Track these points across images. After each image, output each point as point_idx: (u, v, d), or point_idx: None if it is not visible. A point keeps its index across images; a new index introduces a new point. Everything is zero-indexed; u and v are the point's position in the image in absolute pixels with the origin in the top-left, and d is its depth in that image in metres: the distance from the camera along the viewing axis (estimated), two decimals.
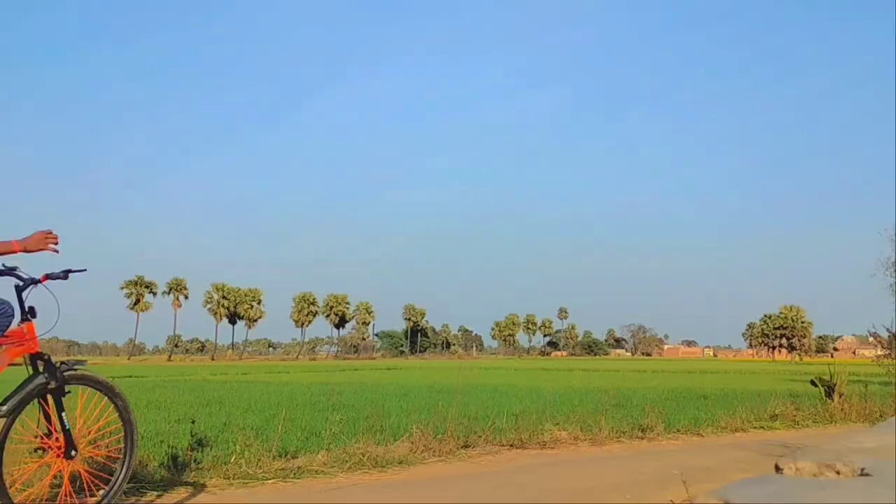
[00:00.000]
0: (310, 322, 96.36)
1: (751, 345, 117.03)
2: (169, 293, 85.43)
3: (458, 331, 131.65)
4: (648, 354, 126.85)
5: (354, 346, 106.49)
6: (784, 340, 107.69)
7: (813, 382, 10.64)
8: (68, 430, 3.52)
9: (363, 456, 5.19)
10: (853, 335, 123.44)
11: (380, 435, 6.07)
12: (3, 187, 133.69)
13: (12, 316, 3.45)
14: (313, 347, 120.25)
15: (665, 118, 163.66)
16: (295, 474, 4.76)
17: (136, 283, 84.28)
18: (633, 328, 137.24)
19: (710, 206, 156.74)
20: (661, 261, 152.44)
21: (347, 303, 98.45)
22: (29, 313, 3.56)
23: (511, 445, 6.18)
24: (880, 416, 8.63)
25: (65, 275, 3.66)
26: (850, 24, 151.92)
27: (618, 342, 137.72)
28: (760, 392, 12.83)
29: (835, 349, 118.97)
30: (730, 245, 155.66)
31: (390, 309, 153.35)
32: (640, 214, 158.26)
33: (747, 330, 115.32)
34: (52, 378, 3.49)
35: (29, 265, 3.60)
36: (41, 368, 3.50)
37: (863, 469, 1.50)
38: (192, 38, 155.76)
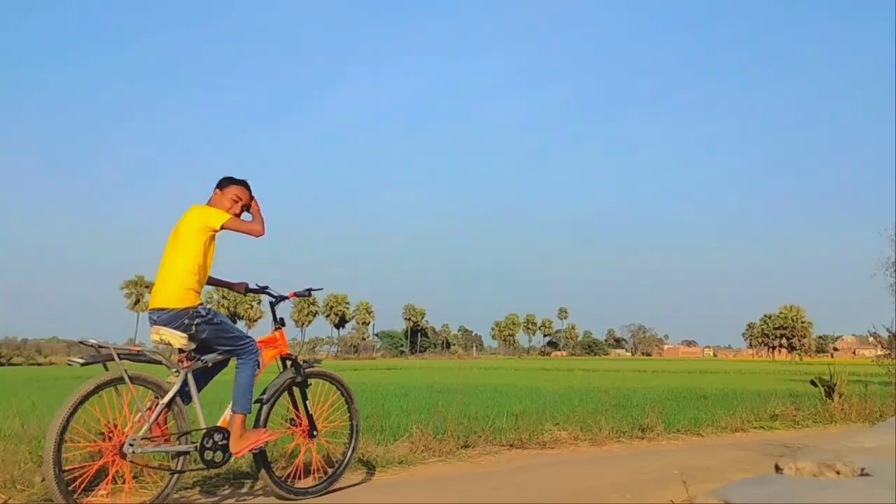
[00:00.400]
0: (310, 322, 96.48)
1: (751, 345, 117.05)
2: None
3: (458, 331, 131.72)
4: (648, 354, 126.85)
5: (354, 346, 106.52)
6: (784, 340, 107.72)
7: (813, 382, 10.64)
8: (311, 414, 4.31)
9: (363, 456, 5.20)
10: (853, 335, 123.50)
11: (380, 435, 6.08)
12: (3, 187, 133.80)
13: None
14: (313, 347, 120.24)
15: (665, 118, 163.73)
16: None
17: (136, 283, 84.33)
18: (633, 328, 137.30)
19: (709, 206, 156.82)
20: (661, 261, 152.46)
21: (347, 303, 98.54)
22: (279, 323, 4.36)
23: (511, 445, 6.18)
24: (880, 416, 8.63)
25: (308, 293, 4.50)
26: (849, 25, 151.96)
27: (618, 342, 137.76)
28: (760, 392, 12.83)
29: (835, 349, 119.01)
30: (730, 245, 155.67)
31: (390, 309, 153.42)
32: (640, 214, 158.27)
33: (747, 330, 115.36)
34: (297, 374, 4.28)
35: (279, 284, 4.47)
36: (289, 366, 4.29)
37: (863, 469, 1.50)
38: (191, 39, 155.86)
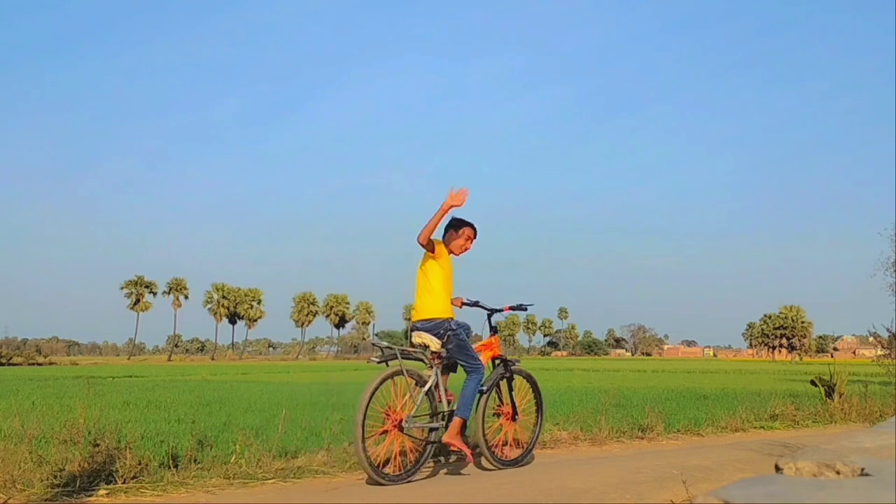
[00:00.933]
0: (310, 322, 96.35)
1: (751, 345, 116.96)
2: (169, 293, 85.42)
3: None
4: (648, 354, 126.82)
5: (354, 346, 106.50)
6: (784, 340, 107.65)
7: (813, 382, 10.64)
8: (514, 402, 5.43)
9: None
10: (853, 335, 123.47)
11: (380, 435, 6.06)
12: (4, 186, 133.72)
13: (471, 333, 5.20)
14: (313, 347, 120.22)
15: (665, 119, 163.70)
16: (295, 474, 4.76)
17: (136, 283, 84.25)
18: (633, 328, 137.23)
19: (709, 206, 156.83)
20: (661, 261, 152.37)
21: (347, 303, 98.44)
22: (494, 330, 5.45)
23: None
24: (880, 416, 8.63)
25: (521, 308, 5.51)
26: (849, 25, 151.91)
27: (618, 342, 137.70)
28: (760, 392, 12.83)
29: (835, 349, 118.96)
30: (730, 245, 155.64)
31: (390, 309, 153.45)
32: (640, 214, 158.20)
33: (747, 330, 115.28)
34: (506, 371, 5.39)
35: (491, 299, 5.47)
36: (499, 365, 5.38)
37: (863, 469, 1.50)
38: (192, 40, 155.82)
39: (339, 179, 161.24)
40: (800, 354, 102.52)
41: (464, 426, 4.89)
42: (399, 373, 4.74)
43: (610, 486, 4.33)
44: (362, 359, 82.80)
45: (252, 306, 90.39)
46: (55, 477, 4.24)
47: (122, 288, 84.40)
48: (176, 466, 4.63)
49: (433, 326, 4.92)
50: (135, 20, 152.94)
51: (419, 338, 4.95)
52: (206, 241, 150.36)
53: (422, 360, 4.97)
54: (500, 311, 5.48)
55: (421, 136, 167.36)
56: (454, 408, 4.93)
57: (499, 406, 5.37)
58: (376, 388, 4.63)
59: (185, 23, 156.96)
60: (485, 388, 5.11)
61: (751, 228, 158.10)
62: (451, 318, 4.99)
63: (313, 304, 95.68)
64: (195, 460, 4.79)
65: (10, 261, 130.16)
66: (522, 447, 5.45)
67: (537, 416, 5.60)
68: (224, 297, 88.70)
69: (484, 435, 5.09)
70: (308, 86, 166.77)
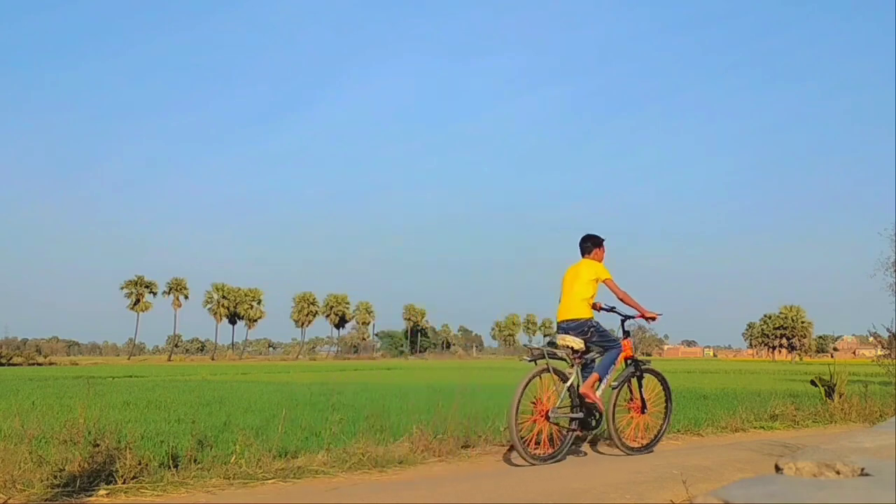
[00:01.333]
0: (310, 322, 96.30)
1: (751, 345, 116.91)
2: (169, 293, 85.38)
3: (458, 331, 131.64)
4: (648, 354, 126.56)
5: (354, 346, 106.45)
6: (784, 340, 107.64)
7: (813, 382, 10.63)
8: (643, 398, 6.15)
9: (363, 456, 5.19)
10: (853, 335, 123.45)
11: (380, 435, 6.07)
12: (4, 186, 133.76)
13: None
14: (313, 347, 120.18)
15: (665, 119, 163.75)
16: (295, 474, 4.76)
17: (136, 283, 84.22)
18: (633, 328, 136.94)
19: (709, 206, 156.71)
20: (661, 261, 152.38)
21: (347, 303, 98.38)
22: (626, 334, 6.22)
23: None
24: (880, 416, 8.63)
25: (646, 319, 6.26)
26: (849, 25, 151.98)
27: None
28: (760, 392, 12.83)
29: (835, 349, 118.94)
30: (729, 245, 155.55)
31: (390, 309, 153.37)
32: (640, 214, 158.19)
33: (747, 330, 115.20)
34: (636, 369, 6.16)
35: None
36: (631, 364, 6.15)
37: (863, 469, 1.50)
38: (192, 40, 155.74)
39: (339, 179, 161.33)
40: (800, 354, 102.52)
41: (596, 381, 5.76)
42: (546, 370, 5.59)
43: (610, 487, 4.33)
44: (362, 359, 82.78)
45: (252, 306, 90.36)
46: (55, 477, 4.24)
47: (122, 288, 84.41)
48: (176, 466, 4.63)
49: (577, 326, 5.85)
50: (135, 20, 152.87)
51: (563, 340, 5.79)
52: (206, 241, 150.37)
53: (565, 360, 5.78)
54: (633, 317, 6.24)
55: (420, 136, 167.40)
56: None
57: (629, 401, 6.16)
58: (528, 383, 5.46)
59: (185, 23, 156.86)
60: (616, 383, 5.96)
61: (751, 228, 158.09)
62: (592, 318, 5.92)
63: (313, 304, 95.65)
64: (195, 460, 4.79)
65: (10, 261, 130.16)
66: (650, 438, 6.18)
67: (666, 411, 6.32)
68: (224, 297, 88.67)
69: (615, 424, 5.87)
70: (308, 86, 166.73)
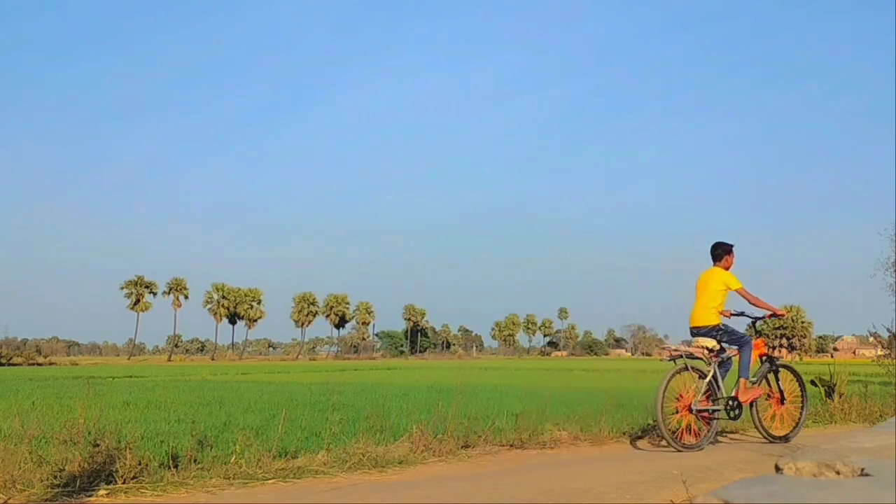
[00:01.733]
0: (310, 322, 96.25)
1: None
2: (169, 293, 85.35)
3: (458, 331, 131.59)
4: (648, 354, 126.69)
5: (354, 347, 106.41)
6: (784, 340, 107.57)
7: (813, 382, 10.61)
8: (781, 390, 6.87)
9: (363, 456, 5.19)
10: (853, 335, 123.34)
11: (380, 435, 6.07)
12: (4, 187, 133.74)
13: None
14: (313, 347, 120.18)
15: (665, 119, 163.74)
16: (295, 474, 4.75)
17: (136, 283, 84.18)
18: (633, 328, 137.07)
19: (709, 206, 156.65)
20: (661, 261, 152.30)
21: (347, 303, 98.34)
22: (759, 334, 6.98)
23: (511, 445, 6.18)
24: (880, 416, 8.63)
25: (779, 315, 6.96)
26: (848, 25, 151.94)
27: (618, 342, 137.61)
28: None
29: (835, 349, 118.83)
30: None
31: (390, 309, 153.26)
32: (640, 214, 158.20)
33: (747, 330, 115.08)
34: (772, 365, 6.89)
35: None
36: (766, 361, 6.86)
37: (863, 469, 1.50)
38: (192, 40, 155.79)
39: (339, 180, 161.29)
40: (800, 354, 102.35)
41: (747, 383, 6.43)
42: (685, 368, 6.29)
43: (610, 486, 4.33)
44: (362, 359, 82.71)
45: (252, 306, 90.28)
46: (55, 477, 4.24)
47: (122, 288, 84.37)
48: (176, 466, 4.63)
49: (707, 331, 6.52)
50: (135, 20, 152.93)
51: (698, 342, 6.49)
52: (206, 241, 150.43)
53: (702, 360, 6.44)
54: (763, 318, 6.94)
55: (421, 136, 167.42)
56: (731, 394, 6.46)
57: (768, 396, 6.85)
58: (670, 380, 6.14)
59: (185, 23, 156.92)
60: (755, 379, 6.65)
61: (750, 228, 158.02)
62: (719, 324, 6.56)
63: (313, 304, 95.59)
64: (195, 460, 4.79)
65: (10, 261, 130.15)
66: (790, 427, 6.74)
67: (802, 401, 6.92)
68: (224, 297, 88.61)
69: (759, 415, 6.64)
70: (308, 86, 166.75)
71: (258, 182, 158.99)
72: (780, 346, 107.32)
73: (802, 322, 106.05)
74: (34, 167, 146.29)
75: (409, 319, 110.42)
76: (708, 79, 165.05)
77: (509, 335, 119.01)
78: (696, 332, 6.55)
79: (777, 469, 1.60)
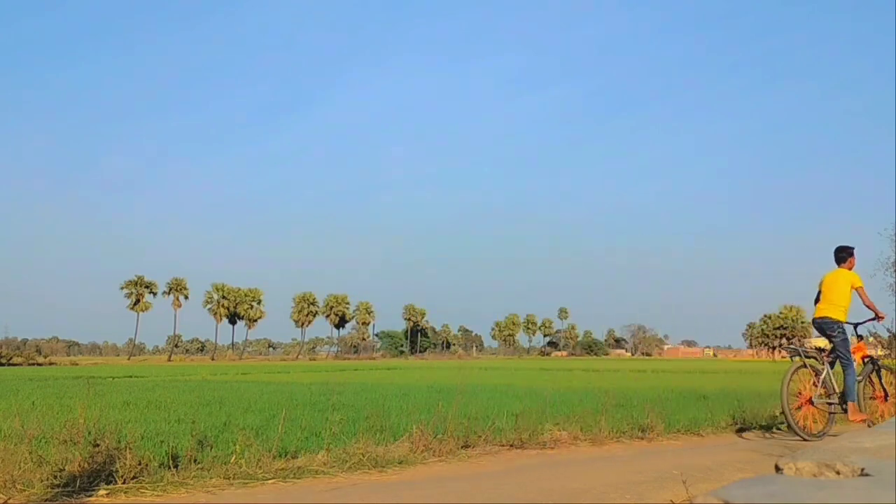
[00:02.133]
0: (310, 322, 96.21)
1: (751, 345, 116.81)
2: (169, 293, 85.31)
3: (458, 331, 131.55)
4: (648, 354, 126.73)
5: (354, 347, 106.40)
6: (784, 340, 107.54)
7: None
8: (884, 388, 7.50)
9: (363, 456, 5.19)
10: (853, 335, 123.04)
11: (380, 435, 6.07)
12: (4, 187, 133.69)
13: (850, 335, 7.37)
14: (313, 347, 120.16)
15: (665, 119, 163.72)
16: (295, 474, 4.75)
17: (136, 283, 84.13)
18: (633, 328, 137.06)
19: (709, 205, 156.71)
20: (661, 261, 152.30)
21: (347, 303, 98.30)
22: (860, 338, 7.52)
23: (511, 445, 6.18)
24: (880, 416, 8.62)
25: (877, 318, 7.39)
26: (849, 26, 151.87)
27: (618, 342, 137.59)
28: (760, 392, 12.81)
29: None
30: (729, 245, 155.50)
31: (390, 309, 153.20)
32: (640, 214, 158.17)
33: (747, 330, 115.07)
34: (874, 366, 7.49)
35: None
36: (868, 362, 7.48)
37: (863, 469, 1.50)
38: (192, 40, 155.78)
39: (339, 180, 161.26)
40: None
41: (855, 405, 7.00)
42: (803, 366, 7.12)
43: (610, 486, 4.33)
44: (362, 359, 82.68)
45: (252, 306, 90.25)
46: (55, 477, 4.24)
47: (122, 288, 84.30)
48: (176, 466, 4.62)
49: (829, 324, 7.21)
50: (135, 20, 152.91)
51: (812, 342, 7.21)
52: (206, 241, 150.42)
53: (815, 358, 7.22)
54: (864, 322, 7.52)
55: (421, 136, 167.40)
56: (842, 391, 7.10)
57: (873, 393, 7.48)
58: (790, 377, 6.96)
59: (185, 23, 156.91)
60: (860, 377, 7.26)
61: (751, 228, 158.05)
62: (844, 321, 7.23)
63: (313, 304, 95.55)
64: (195, 460, 4.79)
65: (10, 261, 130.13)
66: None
67: None
68: (224, 297, 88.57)
69: (862, 412, 7.10)
70: (308, 86, 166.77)
71: (258, 182, 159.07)
72: (780, 346, 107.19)
73: (802, 322, 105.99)
74: (34, 167, 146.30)
75: (409, 319, 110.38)
76: (708, 79, 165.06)
77: (509, 335, 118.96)
78: (821, 321, 7.26)
79: (777, 469, 1.60)
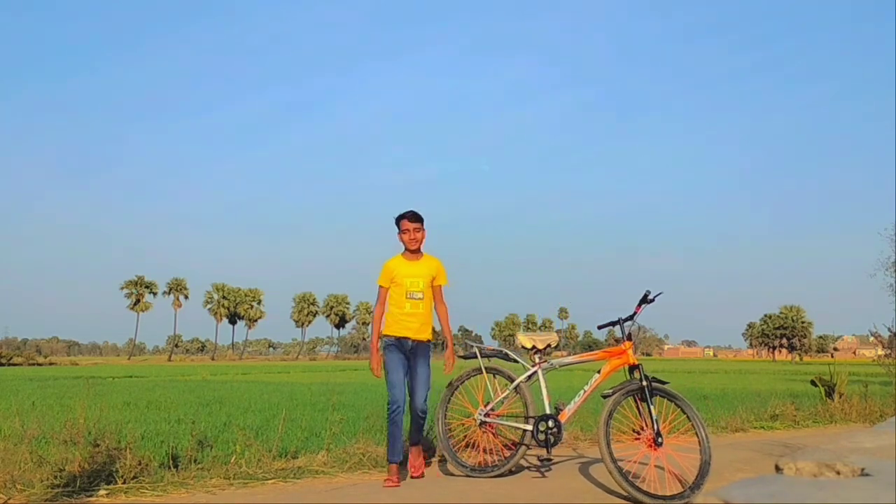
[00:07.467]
0: (310, 322, 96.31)
1: (751, 345, 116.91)
2: (169, 293, 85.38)
3: (458, 331, 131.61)
4: (648, 354, 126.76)
5: (354, 346, 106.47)
6: (784, 340, 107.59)
7: (813, 382, 10.62)
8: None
9: (363, 456, 5.19)
10: (853, 335, 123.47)
11: (380, 435, 6.07)
12: (6, 188, 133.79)
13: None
14: (313, 347, 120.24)
15: (664, 121, 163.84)
16: (295, 474, 4.76)
17: (136, 283, 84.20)
18: (634, 328, 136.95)
19: (710, 206, 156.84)
20: (662, 261, 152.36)
21: (347, 303, 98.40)
22: (627, 337, 5.02)
23: (511, 444, 6.16)
24: (880, 416, 8.63)
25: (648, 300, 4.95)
26: (850, 27, 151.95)
27: (618, 342, 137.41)
28: (760, 392, 12.82)
29: (835, 349, 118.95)
30: (730, 245, 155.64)
31: None
32: (641, 215, 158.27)
33: (747, 330, 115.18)
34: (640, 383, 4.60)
35: None
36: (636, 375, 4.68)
37: (863, 469, 1.50)
38: (195, 44, 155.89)
39: (339, 180, 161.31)
40: (800, 354, 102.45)
41: None
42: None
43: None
44: (362, 359, 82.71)
45: (252, 306, 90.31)
46: (55, 477, 4.24)
47: (122, 288, 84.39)
48: (176, 467, 4.63)
49: None
50: (138, 26, 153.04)
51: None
52: (206, 241, 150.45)
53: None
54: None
55: (421, 136, 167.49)
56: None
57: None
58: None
59: (188, 28, 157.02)
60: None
61: (751, 228, 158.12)
62: None
63: (313, 304, 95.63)
64: (195, 460, 4.79)
65: (11, 261, 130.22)
66: None
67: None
68: (224, 297, 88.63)
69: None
70: (311, 89, 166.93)
71: (258, 183, 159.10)
72: (780, 345, 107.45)
73: (802, 322, 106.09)
74: (36, 169, 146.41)
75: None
76: (708, 81, 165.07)
77: (509, 335, 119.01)
78: None
79: (777, 469, 1.60)
